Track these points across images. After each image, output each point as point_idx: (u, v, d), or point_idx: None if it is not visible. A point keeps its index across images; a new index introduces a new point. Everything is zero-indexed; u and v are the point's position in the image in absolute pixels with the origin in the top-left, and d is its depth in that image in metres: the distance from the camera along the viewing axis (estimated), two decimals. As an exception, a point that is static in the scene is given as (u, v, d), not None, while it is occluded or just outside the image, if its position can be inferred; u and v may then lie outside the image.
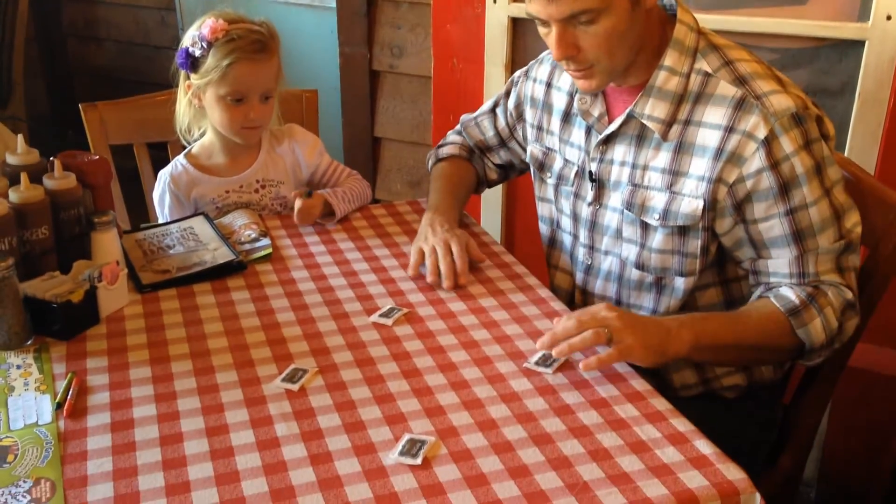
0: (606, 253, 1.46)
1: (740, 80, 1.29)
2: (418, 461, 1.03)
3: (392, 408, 1.14)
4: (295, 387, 1.18)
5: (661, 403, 1.15)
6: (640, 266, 1.41)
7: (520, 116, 1.64)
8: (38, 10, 3.70)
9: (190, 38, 1.66)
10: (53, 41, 3.92)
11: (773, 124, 1.25)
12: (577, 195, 1.49)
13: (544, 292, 1.45)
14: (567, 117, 1.51)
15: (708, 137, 1.30)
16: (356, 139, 2.71)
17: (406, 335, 1.32)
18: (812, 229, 1.28)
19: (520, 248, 2.30)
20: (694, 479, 1.00)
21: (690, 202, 1.32)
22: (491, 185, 1.80)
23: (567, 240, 1.55)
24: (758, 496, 0.99)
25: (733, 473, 1.01)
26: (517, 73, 1.66)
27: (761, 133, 1.26)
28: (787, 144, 1.26)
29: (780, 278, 1.32)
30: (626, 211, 1.40)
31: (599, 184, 1.44)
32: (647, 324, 1.24)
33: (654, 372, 1.25)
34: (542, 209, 1.61)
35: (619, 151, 1.40)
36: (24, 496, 0.98)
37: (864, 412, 2.03)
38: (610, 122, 1.41)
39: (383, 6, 2.57)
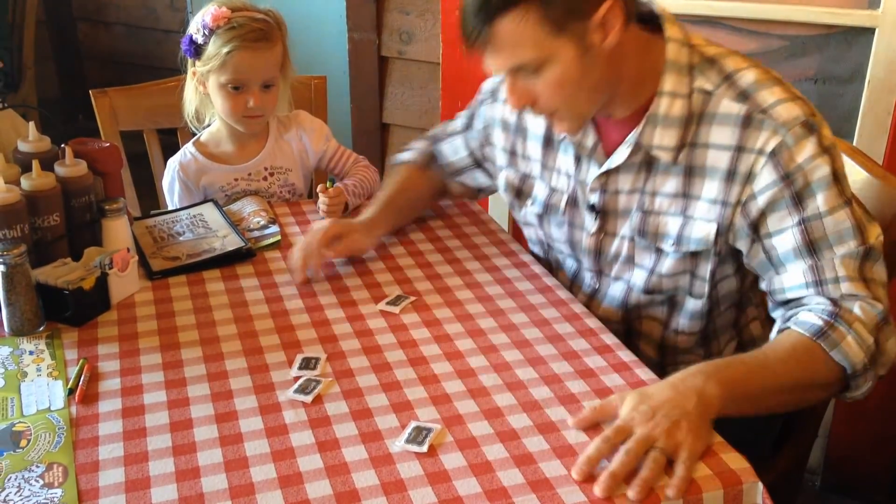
0: (617, 278, 1.40)
1: (743, 95, 1.22)
2: (424, 448, 1.04)
3: (398, 395, 1.15)
4: (308, 375, 1.19)
5: (665, 392, 1.15)
6: (648, 291, 1.36)
7: (487, 139, 1.56)
8: (49, -7, 3.71)
9: (194, 26, 1.67)
10: (63, 25, 3.92)
11: (784, 135, 1.19)
12: (572, 224, 1.42)
13: (551, 280, 1.45)
14: (549, 143, 1.42)
15: (717, 159, 1.23)
16: (365, 125, 2.71)
17: (413, 323, 1.33)
18: (827, 240, 1.19)
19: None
20: (696, 468, 1.01)
21: (703, 226, 1.26)
22: (468, 196, 1.71)
23: (569, 262, 1.49)
24: (760, 485, 1.00)
25: (736, 462, 1.02)
26: (484, 94, 1.57)
27: (770, 146, 1.19)
28: (798, 154, 1.18)
29: (796, 291, 1.21)
30: (637, 238, 1.33)
31: (603, 214, 1.36)
32: (680, 403, 1.04)
33: (661, 372, 1.23)
34: (529, 232, 1.54)
35: (625, 180, 1.32)
36: (36, 481, 0.99)
37: (870, 400, 2.02)
38: (606, 150, 1.33)
39: (392, -8, 2.57)
